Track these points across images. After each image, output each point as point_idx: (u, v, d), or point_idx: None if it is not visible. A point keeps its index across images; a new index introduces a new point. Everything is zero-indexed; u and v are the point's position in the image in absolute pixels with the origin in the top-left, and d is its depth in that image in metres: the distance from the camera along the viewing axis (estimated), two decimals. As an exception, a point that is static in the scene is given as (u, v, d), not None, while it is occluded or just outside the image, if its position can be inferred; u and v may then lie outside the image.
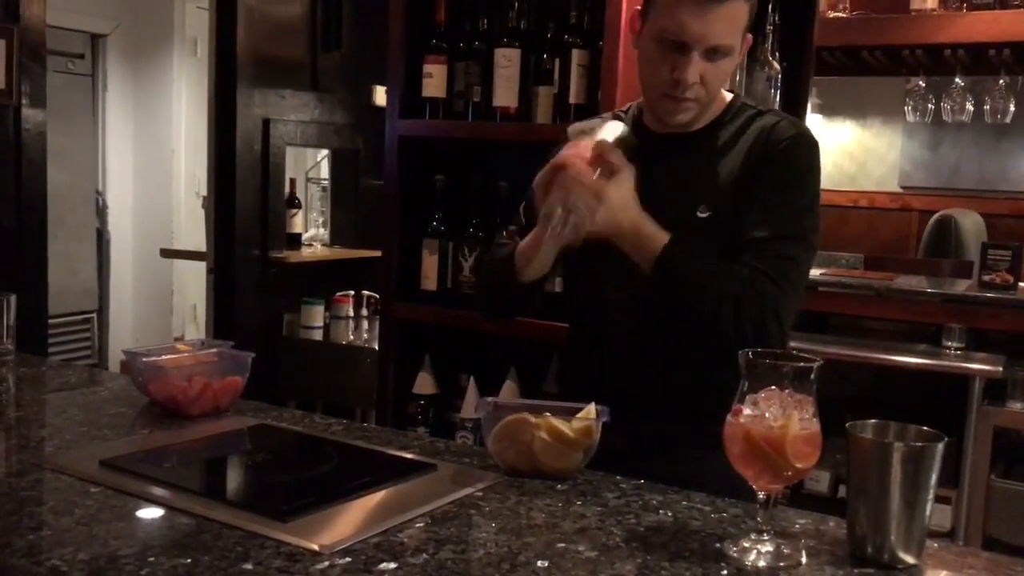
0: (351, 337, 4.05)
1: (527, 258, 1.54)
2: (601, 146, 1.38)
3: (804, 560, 1.06)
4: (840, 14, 3.05)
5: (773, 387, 1.06)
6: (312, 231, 4.60)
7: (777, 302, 1.43)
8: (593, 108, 2.28)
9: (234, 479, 1.40)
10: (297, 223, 4.21)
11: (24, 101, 3.55)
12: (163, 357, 1.60)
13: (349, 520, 1.14)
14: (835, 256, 4.06)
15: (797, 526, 1.17)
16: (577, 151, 1.40)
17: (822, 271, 3.43)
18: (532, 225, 1.55)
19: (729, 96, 1.61)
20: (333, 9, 4.18)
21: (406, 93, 2.55)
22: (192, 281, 5.77)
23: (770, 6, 2.41)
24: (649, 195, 1.46)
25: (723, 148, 1.55)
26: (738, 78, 2.29)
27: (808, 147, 1.53)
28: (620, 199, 1.39)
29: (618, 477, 1.32)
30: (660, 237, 1.42)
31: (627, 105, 1.72)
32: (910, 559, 1.05)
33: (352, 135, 4.36)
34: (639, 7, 1.53)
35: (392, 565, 1.00)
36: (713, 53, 1.45)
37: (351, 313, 4.07)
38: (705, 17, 1.43)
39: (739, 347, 1.11)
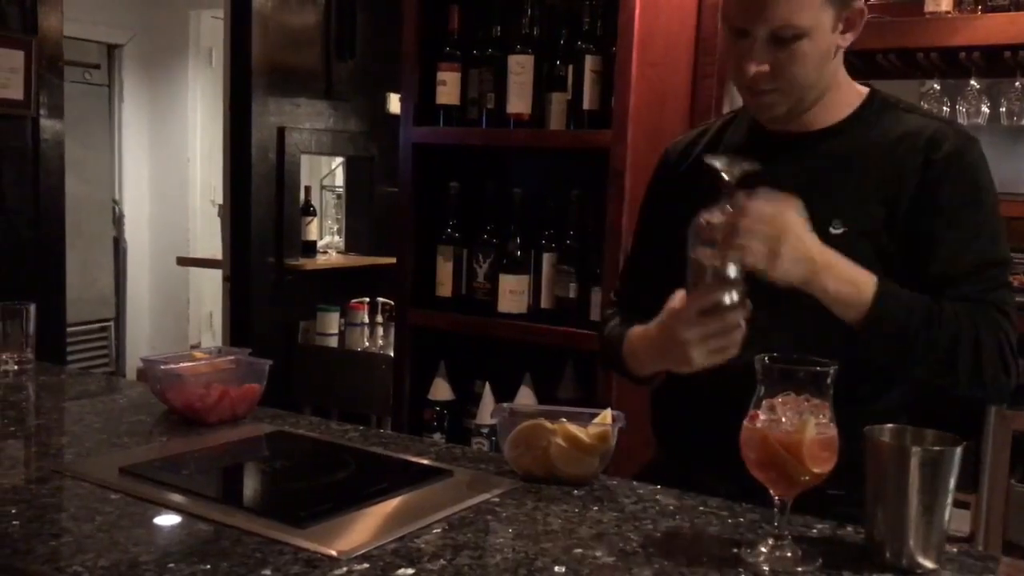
0: (366, 344, 4.06)
1: (639, 362, 1.39)
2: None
3: (821, 565, 1.05)
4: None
5: (790, 392, 1.06)
6: (327, 238, 4.62)
7: (1012, 335, 1.28)
8: (606, 114, 2.28)
9: (252, 486, 1.40)
10: (312, 231, 4.22)
11: (42, 112, 3.58)
12: (181, 365, 1.61)
13: (366, 526, 1.14)
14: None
15: (814, 531, 1.16)
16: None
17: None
18: (642, 291, 1.47)
19: (865, 90, 1.43)
20: (347, 18, 4.20)
21: (420, 100, 2.56)
22: (208, 289, 5.80)
23: (783, 10, 2.41)
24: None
25: (860, 152, 1.36)
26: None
27: (979, 154, 1.36)
28: (803, 233, 1.19)
29: (634, 482, 1.32)
30: (863, 277, 1.24)
31: (730, 112, 1.58)
32: (929, 564, 1.05)
33: (366, 143, 4.38)
34: None
35: (410, 571, 1.00)
36: (779, 38, 1.27)
37: (366, 320, 4.08)
38: None
39: (971, 395, 1.06)
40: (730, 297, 1.18)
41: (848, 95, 1.40)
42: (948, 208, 1.31)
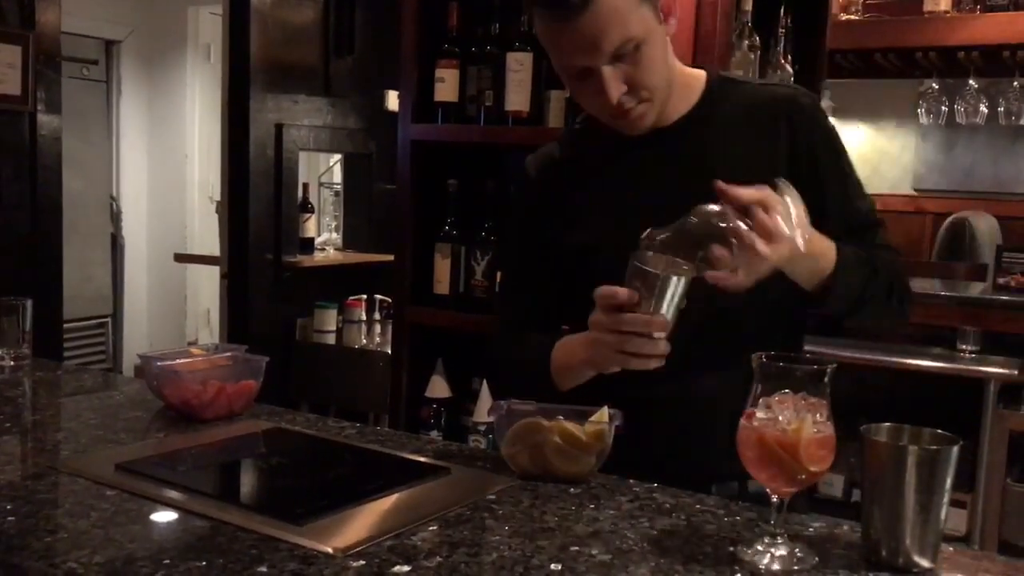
0: (364, 341, 4.06)
1: (569, 375, 1.39)
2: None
3: (818, 564, 1.06)
4: (852, 17, 3.04)
5: (787, 390, 1.06)
6: (325, 235, 4.62)
7: (905, 278, 1.44)
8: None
9: (248, 482, 1.40)
10: (310, 227, 4.22)
11: (39, 107, 3.58)
12: (178, 361, 1.61)
13: (363, 523, 1.14)
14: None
15: (811, 530, 1.16)
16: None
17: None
18: (530, 308, 1.50)
19: (703, 73, 1.44)
20: (346, 14, 4.20)
21: (418, 97, 2.55)
22: (206, 286, 5.80)
23: (782, 9, 2.41)
24: (660, 202, 1.32)
25: (727, 130, 1.40)
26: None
27: (821, 107, 1.47)
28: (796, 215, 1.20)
29: (631, 480, 1.32)
30: (825, 245, 1.29)
31: (574, 121, 1.57)
32: (925, 563, 1.05)
33: (365, 140, 4.37)
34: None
35: (406, 568, 1.00)
36: (621, 56, 1.27)
37: (364, 317, 4.08)
38: (582, 32, 1.25)
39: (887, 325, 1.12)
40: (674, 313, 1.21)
41: (688, 79, 1.42)
42: (827, 165, 1.39)
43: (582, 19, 1.24)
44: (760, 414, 1.06)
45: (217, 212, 4.63)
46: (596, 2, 1.23)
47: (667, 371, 1.27)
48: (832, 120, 1.51)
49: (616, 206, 1.45)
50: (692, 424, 1.40)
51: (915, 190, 5.42)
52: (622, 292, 1.21)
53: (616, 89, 1.29)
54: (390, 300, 3.80)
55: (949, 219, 4.26)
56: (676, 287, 1.20)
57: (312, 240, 4.25)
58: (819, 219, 1.31)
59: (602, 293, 1.23)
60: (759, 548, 1.07)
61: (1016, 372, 2.81)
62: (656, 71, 1.32)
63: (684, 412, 1.39)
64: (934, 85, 3.47)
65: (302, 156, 4.24)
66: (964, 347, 2.98)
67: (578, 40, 1.26)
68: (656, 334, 1.21)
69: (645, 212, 1.31)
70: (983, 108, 3.43)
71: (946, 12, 2.59)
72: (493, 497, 1.23)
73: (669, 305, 1.20)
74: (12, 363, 1.87)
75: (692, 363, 1.33)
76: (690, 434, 1.40)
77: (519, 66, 2.38)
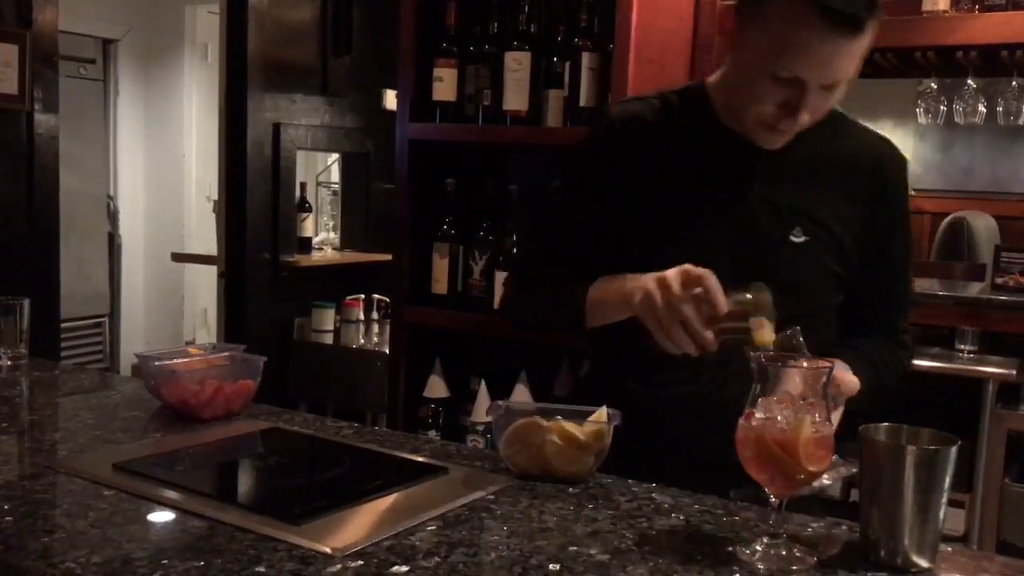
0: (362, 341, 4.06)
1: (600, 310, 1.39)
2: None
3: (816, 564, 1.05)
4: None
5: (785, 391, 1.06)
6: (323, 235, 4.61)
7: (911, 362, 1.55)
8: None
9: (246, 482, 1.40)
10: (308, 227, 4.22)
11: (36, 106, 3.57)
12: (175, 361, 1.61)
13: (361, 523, 1.14)
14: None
15: (809, 530, 1.16)
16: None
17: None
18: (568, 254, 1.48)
19: None
20: (343, 13, 4.19)
21: (416, 97, 2.55)
22: (203, 285, 5.79)
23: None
24: (733, 208, 1.35)
25: (820, 163, 1.41)
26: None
27: (907, 170, 1.49)
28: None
29: (630, 480, 1.32)
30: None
31: (682, 86, 1.54)
32: (923, 563, 1.05)
33: (362, 139, 4.37)
34: (735, 5, 1.34)
35: (404, 568, 1.00)
36: (831, 86, 1.29)
37: (362, 317, 4.08)
38: (834, 54, 1.25)
39: None
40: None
41: None
42: (892, 236, 1.44)
43: (846, 42, 1.24)
44: (759, 414, 1.06)
45: (214, 211, 4.63)
46: (863, 35, 1.25)
47: (690, 373, 1.29)
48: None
49: (692, 201, 1.41)
50: (712, 427, 1.36)
51: (913, 189, 5.39)
52: (720, 300, 1.20)
53: (809, 113, 1.30)
54: (388, 300, 3.80)
55: (947, 219, 4.26)
56: (751, 332, 1.21)
57: (310, 239, 4.25)
58: (860, 282, 1.42)
59: (704, 277, 1.20)
60: (758, 548, 1.07)
61: (1014, 372, 2.81)
62: (828, 109, 1.35)
63: (706, 414, 1.36)
64: (932, 85, 3.47)
65: (300, 155, 4.24)
66: (962, 347, 2.98)
67: (825, 56, 1.24)
68: (701, 345, 1.22)
69: (720, 219, 1.35)
70: (981, 108, 3.43)
71: (944, 12, 2.58)
72: (492, 497, 1.23)
73: (733, 335, 1.21)
74: (9, 363, 1.87)
75: (716, 366, 1.34)
76: (709, 437, 1.36)
77: (517, 65, 2.38)
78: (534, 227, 1.63)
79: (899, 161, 1.46)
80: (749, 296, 1.21)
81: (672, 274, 1.23)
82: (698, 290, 1.20)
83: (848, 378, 1.29)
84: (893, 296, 1.50)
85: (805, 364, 1.10)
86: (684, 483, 1.30)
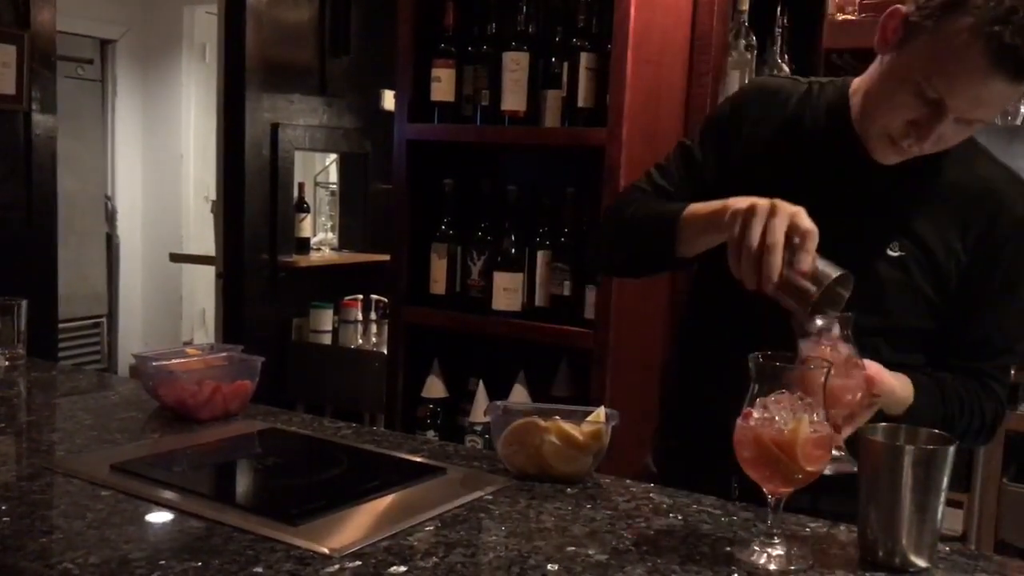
0: (360, 341, 4.06)
1: (693, 231, 1.30)
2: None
3: (814, 564, 1.05)
4: (849, 16, 3.04)
5: (783, 391, 1.06)
6: (321, 235, 4.61)
7: (1004, 414, 1.42)
8: (601, 112, 2.27)
9: (244, 483, 1.40)
10: (306, 227, 4.22)
11: (34, 106, 3.57)
12: (173, 361, 1.60)
13: (359, 524, 1.14)
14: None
15: (807, 530, 1.16)
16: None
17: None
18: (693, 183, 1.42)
19: None
20: (341, 13, 4.19)
21: (415, 97, 2.55)
22: (201, 285, 5.79)
23: (778, 8, 2.41)
24: (835, 217, 1.27)
25: (928, 183, 1.36)
26: (745, 81, 2.29)
27: None
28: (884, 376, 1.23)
29: (628, 481, 1.32)
30: (904, 389, 1.29)
31: (830, 79, 1.48)
32: (922, 563, 1.05)
33: (361, 139, 4.37)
34: (903, 9, 1.26)
35: (402, 568, 1.00)
36: (968, 122, 1.25)
37: (360, 317, 4.08)
38: (989, 94, 1.21)
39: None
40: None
41: None
42: (1001, 280, 1.36)
43: (1007, 87, 1.20)
44: (757, 414, 1.06)
45: (212, 212, 4.63)
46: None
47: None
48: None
49: (800, 194, 1.31)
50: None
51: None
52: (811, 255, 1.15)
53: (934, 140, 1.26)
54: (386, 300, 3.80)
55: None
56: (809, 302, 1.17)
57: (308, 240, 4.25)
58: (959, 322, 1.37)
59: (810, 231, 1.16)
60: (756, 548, 1.07)
61: (1013, 373, 2.81)
62: (951, 144, 1.30)
63: None
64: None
65: (298, 156, 4.23)
66: (960, 347, 2.98)
67: (981, 92, 1.21)
68: (767, 278, 1.15)
69: (815, 218, 1.24)
70: (979, 108, 3.43)
71: (942, 12, 2.59)
72: (490, 497, 1.23)
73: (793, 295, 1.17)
74: (7, 363, 1.87)
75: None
76: None
77: (515, 66, 2.38)
78: (652, 169, 1.53)
79: (1018, 202, 1.37)
80: (836, 274, 1.17)
81: (783, 204, 1.17)
82: (795, 240, 1.16)
83: (886, 380, 1.24)
84: (985, 340, 1.40)
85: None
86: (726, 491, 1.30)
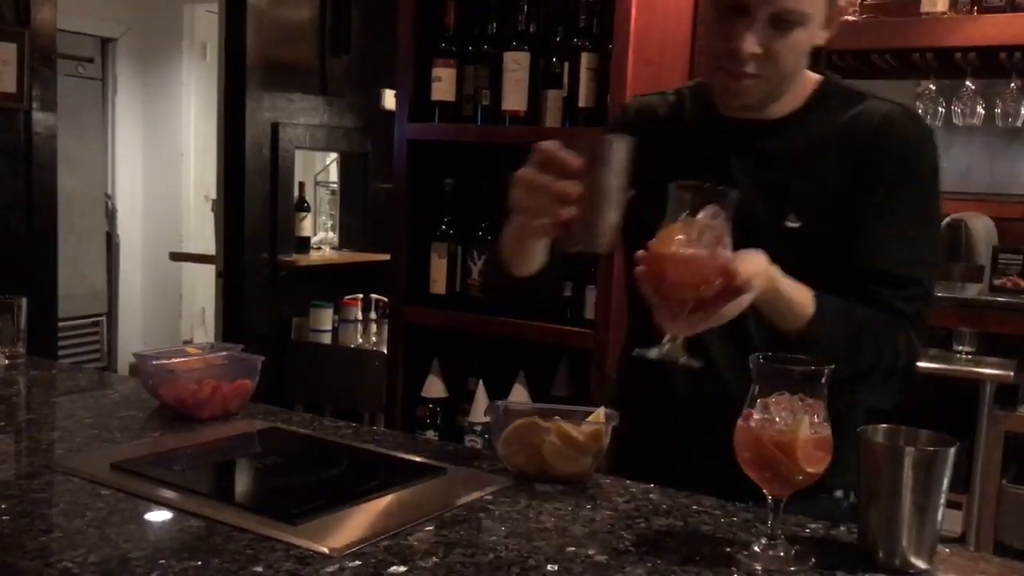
0: (360, 341, 4.06)
1: (513, 250, 1.37)
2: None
3: (814, 565, 1.05)
4: (850, 17, 3.04)
5: (784, 392, 1.06)
6: (321, 234, 4.61)
7: (918, 352, 1.30)
8: (602, 112, 2.27)
9: (244, 482, 1.40)
10: (306, 227, 4.22)
11: (35, 105, 3.57)
12: (173, 360, 1.60)
13: (359, 523, 1.14)
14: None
15: (807, 531, 1.16)
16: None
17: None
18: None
19: (818, 77, 1.38)
20: (342, 13, 4.19)
21: (415, 97, 2.55)
22: (201, 284, 5.79)
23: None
24: None
25: (817, 142, 1.33)
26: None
27: (929, 139, 1.32)
28: (754, 268, 1.12)
29: (628, 481, 1.32)
30: (803, 299, 1.20)
31: (697, 81, 1.51)
32: (922, 564, 1.05)
33: (361, 139, 4.37)
34: None
35: (402, 568, 1.00)
36: (781, 21, 1.24)
37: (360, 317, 4.08)
38: None
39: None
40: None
41: (804, 84, 1.37)
42: (894, 196, 1.29)
43: None
44: (757, 415, 1.06)
45: (213, 211, 4.62)
46: None
47: (703, 375, 1.25)
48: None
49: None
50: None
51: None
52: (565, 156, 1.17)
53: (751, 44, 1.24)
54: (386, 299, 3.80)
55: (945, 220, 4.26)
56: (619, 156, 1.17)
57: (308, 239, 4.25)
58: (858, 252, 1.29)
59: (542, 147, 1.20)
60: (756, 549, 1.07)
61: (1012, 373, 2.81)
62: (793, 58, 1.28)
63: (719, 418, 1.23)
64: (931, 86, 3.47)
65: (298, 155, 4.23)
66: (960, 348, 2.98)
67: None
68: (569, 194, 1.16)
69: None
70: (980, 109, 3.43)
71: (943, 13, 2.59)
72: (489, 497, 1.23)
73: (605, 175, 1.16)
74: (7, 361, 1.87)
75: (728, 367, 1.33)
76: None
77: (516, 65, 2.38)
78: None
79: (911, 126, 1.32)
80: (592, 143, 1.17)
81: (520, 173, 1.24)
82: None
83: (755, 271, 1.12)
84: (887, 269, 1.29)
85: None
86: (698, 485, 1.29)
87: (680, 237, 1.10)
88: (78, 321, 5.57)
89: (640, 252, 1.12)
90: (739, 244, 1.28)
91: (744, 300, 1.11)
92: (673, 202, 1.13)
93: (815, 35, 1.29)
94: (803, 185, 1.32)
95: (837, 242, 1.31)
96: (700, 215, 1.11)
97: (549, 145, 1.19)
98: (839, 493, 1.38)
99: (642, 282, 1.12)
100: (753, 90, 1.29)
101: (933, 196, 1.35)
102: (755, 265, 1.12)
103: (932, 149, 1.34)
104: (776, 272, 1.18)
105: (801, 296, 1.22)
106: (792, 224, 1.31)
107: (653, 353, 1.13)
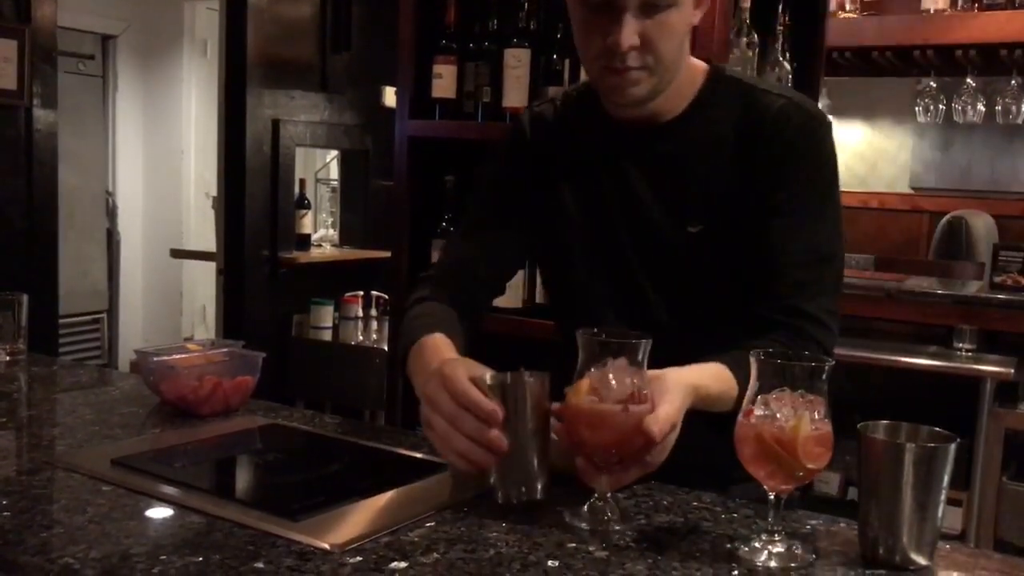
0: (360, 338, 4.06)
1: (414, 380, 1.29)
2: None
3: (815, 561, 1.06)
4: (850, 15, 3.04)
5: (785, 388, 1.06)
6: (321, 232, 4.61)
7: (831, 345, 1.27)
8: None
9: (245, 478, 1.40)
10: (306, 224, 4.22)
11: (35, 102, 3.57)
12: (174, 357, 1.60)
13: (359, 519, 1.14)
14: (846, 257, 4.05)
15: (808, 527, 1.16)
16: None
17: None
18: (470, 264, 1.45)
19: (704, 67, 1.35)
20: (343, 10, 4.19)
21: (416, 94, 2.55)
22: (202, 281, 5.79)
23: (780, 6, 2.41)
24: (626, 207, 1.29)
25: (711, 141, 1.30)
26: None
27: (824, 131, 1.29)
28: (671, 410, 1.08)
29: (628, 478, 1.31)
30: (725, 385, 1.18)
31: (579, 84, 1.47)
32: (922, 561, 1.05)
33: (361, 136, 4.37)
34: None
35: (402, 564, 1.00)
36: (651, 7, 1.20)
37: (360, 314, 4.08)
38: None
39: None
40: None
41: (692, 74, 1.33)
42: (788, 193, 1.26)
43: None
44: (758, 411, 1.06)
45: (213, 208, 4.62)
46: None
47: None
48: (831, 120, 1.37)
49: (590, 197, 1.38)
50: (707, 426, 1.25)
51: (912, 188, 5.43)
52: (487, 407, 1.11)
53: (629, 37, 1.20)
54: (386, 296, 3.80)
55: (946, 218, 4.27)
56: (540, 394, 1.15)
57: (308, 236, 4.25)
58: (755, 250, 1.26)
59: (458, 389, 1.12)
60: (756, 545, 1.07)
61: (1012, 371, 2.81)
62: (672, 43, 1.24)
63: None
64: (932, 83, 3.48)
65: (299, 152, 4.24)
66: (960, 345, 2.99)
67: None
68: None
69: (617, 214, 1.30)
70: (980, 107, 3.44)
71: (944, 10, 2.59)
72: (490, 494, 1.23)
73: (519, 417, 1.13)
74: (8, 358, 1.87)
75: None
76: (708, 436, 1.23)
77: (517, 62, 2.38)
78: (458, 226, 1.57)
79: (806, 120, 1.28)
80: (501, 382, 1.14)
81: (433, 391, 1.14)
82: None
83: (669, 407, 1.08)
84: (783, 273, 1.26)
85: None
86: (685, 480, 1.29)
87: (592, 398, 1.09)
88: (79, 318, 5.57)
89: (556, 406, 1.12)
90: (646, 253, 1.31)
91: (669, 444, 1.09)
92: (583, 352, 1.12)
93: (690, 15, 1.25)
94: (701, 188, 1.29)
95: (739, 243, 1.29)
96: (610, 366, 1.09)
97: (467, 388, 1.12)
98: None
99: (562, 439, 1.12)
100: (639, 82, 1.24)
101: (830, 187, 1.30)
102: (672, 406, 1.08)
103: (827, 140, 1.30)
104: (693, 379, 1.14)
105: (721, 384, 1.18)
106: (693, 229, 1.29)
107: (584, 520, 1.11)
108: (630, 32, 1.20)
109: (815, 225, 1.29)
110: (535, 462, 1.13)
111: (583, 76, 2.29)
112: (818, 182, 1.29)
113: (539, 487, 1.14)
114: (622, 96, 1.27)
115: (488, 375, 1.15)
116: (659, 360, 1.12)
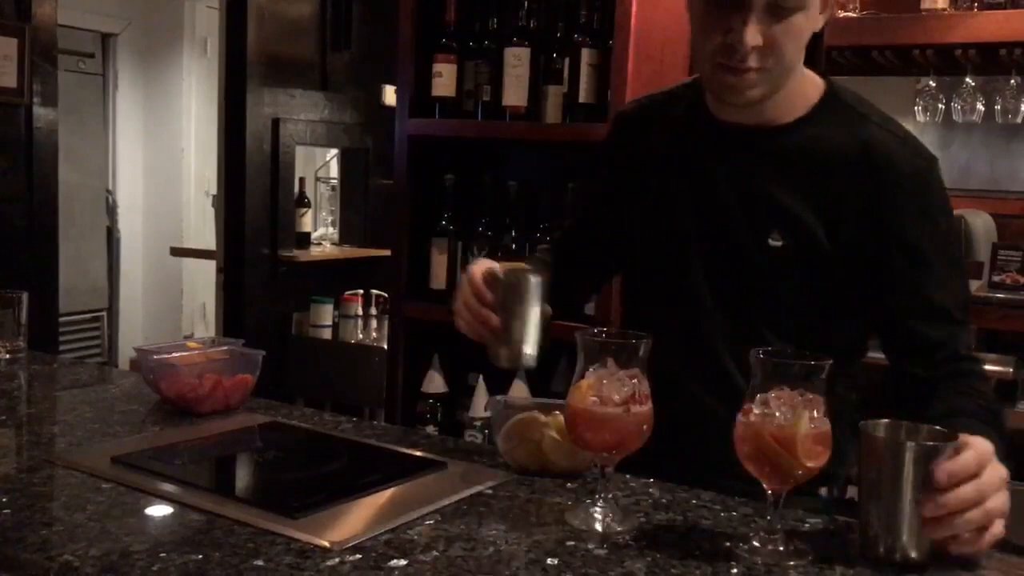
0: (360, 336, 4.06)
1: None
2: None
3: (814, 559, 1.06)
4: (850, 14, 3.03)
5: (784, 386, 1.06)
6: (321, 230, 4.61)
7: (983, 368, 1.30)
8: (603, 108, 2.27)
9: (244, 476, 1.40)
10: (306, 222, 4.22)
11: (35, 100, 3.57)
12: (174, 354, 1.61)
13: (359, 517, 1.14)
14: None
15: (807, 525, 1.16)
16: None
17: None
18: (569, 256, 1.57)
19: (819, 82, 1.32)
20: (343, 8, 4.19)
21: (416, 92, 2.55)
22: (202, 280, 5.79)
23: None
24: (707, 208, 1.27)
25: (810, 157, 1.28)
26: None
27: (939, 177, 1.29)
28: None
29: (627, 476, 1.32)
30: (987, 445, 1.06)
31: (689, 79, 1.44)
32: (922, 559, 1.05)
33: (362, 134, 4.37)
34: None
35: (402, 562, 1.00)
36: (779, 8, 1.17)
37: (360, 312, 4.08)
38: None
39: None
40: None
41: (806, 87, 1.31)
42: (911, 241, 1.26)
43: None
44: (757, 410, 1.06)
45: (213, 206, 4.62)
46: None
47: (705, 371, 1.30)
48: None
49: (665, 198, 1.37)
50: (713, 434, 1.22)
51: (911, 188, 5.42)
52: (479, 288, 1.32)
53: (753, 37, 1.17)
54: (386, 295, 3.80)
55: (945, 217, 4.26)
56: (535, 291, 1.32)
57: (308, 235, 4.25)
58: (880, 294, 1.28)
59: (472, 276, 1.34)
60: (755, 543, 1.07)
61: (1011, 370, 2.81)
62: (795, 47, 1.22)
63: (720, 413, 1.20)
64: (931, 83, 3.47)
65: (299, 150, 4.23)
66: (960, 345, 2.98)
67: None
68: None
69: (691, 219, 1.32)
70: (980, 106, 3.43)
71: (943, 10, 2.58)
72: (490, 492, 1.23)
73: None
74: (8, 356, 1.87)
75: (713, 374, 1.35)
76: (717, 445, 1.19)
77: (517, 61, 2.38)
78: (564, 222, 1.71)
79: (914, 158, 1.28)
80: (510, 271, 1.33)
81: (461, 279, 1.38)
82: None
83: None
84: (934, 310, 1.27)
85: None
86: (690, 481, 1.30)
87: (593, 399, 1.11)
88: (79, 316, 5.57)
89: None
90: (722, 264, 1.31)
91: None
92: (582, 352, 1.15)
93: (814, 20, 1.23)
94: (787, 203, 1.27)
95: (823, 266, 1.27)
96: (611, 367, 1.11)
97: (476, 277, 1.33)
98: (823, 491, 1.39)
99: (564, 439, 1.21)
100: (755, 85, 1.23)
101: (952, 236, 1.37)
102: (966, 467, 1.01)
103: (940, 185, 1.31)
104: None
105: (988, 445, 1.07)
106: (775, 243, 1.27)
107: (584, 518, 1.13)
108: (754, 32, 1.18)
109: (947, 274, 1.30)
110: (525, 342, 1.32)
111: (583, 74, 2.30)
112: (936, 230, 1.28)
113: (522, 363, 1.33)
114: (738, 96, 1.25)
115: (499, 267, 1.36)
116: (706, 359, 1.30)
